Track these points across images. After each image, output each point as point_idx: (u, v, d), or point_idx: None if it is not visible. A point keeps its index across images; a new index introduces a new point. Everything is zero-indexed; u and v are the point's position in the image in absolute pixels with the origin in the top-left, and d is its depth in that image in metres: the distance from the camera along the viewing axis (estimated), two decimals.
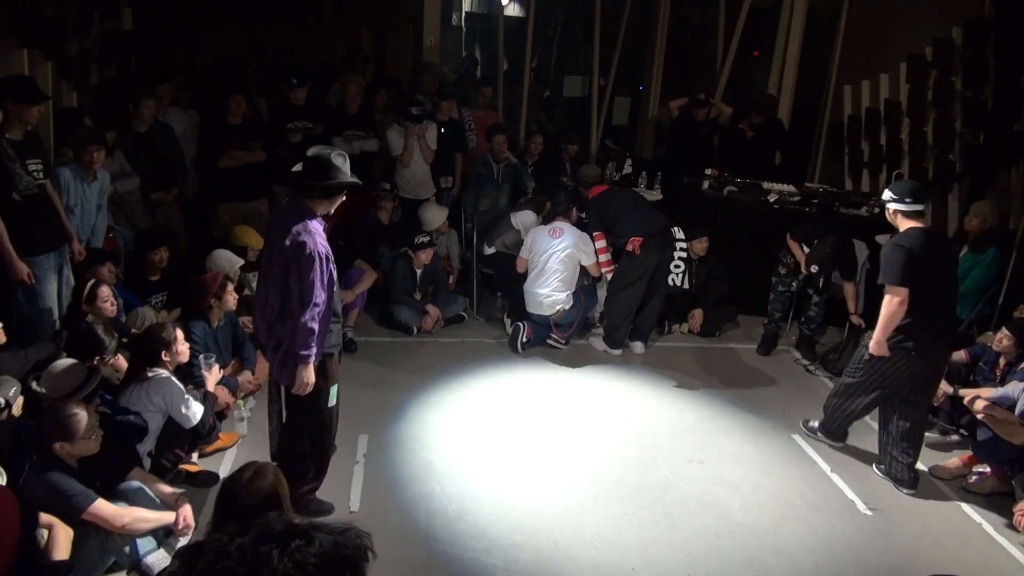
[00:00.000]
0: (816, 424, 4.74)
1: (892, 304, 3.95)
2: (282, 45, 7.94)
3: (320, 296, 3.22)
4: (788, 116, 8.22)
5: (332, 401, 3.57)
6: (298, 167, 3.34)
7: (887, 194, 4.16)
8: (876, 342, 4.07)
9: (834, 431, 4.65)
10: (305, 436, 3.57)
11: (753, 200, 6.54)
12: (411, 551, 3.52)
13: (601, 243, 5.77)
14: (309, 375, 3.32)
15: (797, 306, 6.19)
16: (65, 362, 3.42)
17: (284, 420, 3.66)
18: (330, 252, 3.32)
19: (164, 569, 2.93)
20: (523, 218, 6.18)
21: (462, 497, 3.93)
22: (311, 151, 3.41)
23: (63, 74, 5.49)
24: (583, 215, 5.98)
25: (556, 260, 5.60)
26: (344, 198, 3.42)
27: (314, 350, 3.28)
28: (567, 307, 5.70)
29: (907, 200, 4.05)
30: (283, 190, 6.29)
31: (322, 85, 7.03)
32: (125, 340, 4.46)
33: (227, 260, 5.03)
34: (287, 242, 3.18)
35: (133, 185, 5.42)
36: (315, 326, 3.24)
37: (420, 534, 3.64)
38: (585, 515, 3.86)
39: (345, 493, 3.89)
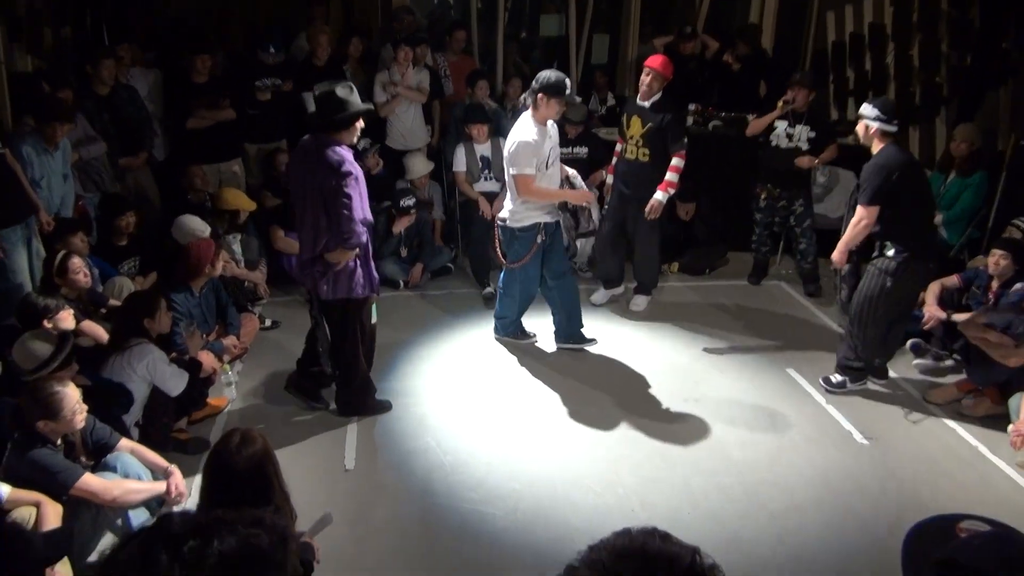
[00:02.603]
0: (840, 377, 4.49)
1: (860, 224, 4.08)
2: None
3: (367, 212, 3.65)
4: (771, 46, 8.02)
5: (375, 317, 4.06)
6: (311, 108, 3.74)
7: (871, 111, 4.05)
8: (839, 252, 4.28)
9: (880, 368, 4.51)
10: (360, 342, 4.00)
11: (738, 134, 6.41)
12: (409, 507, 3.50)
13: (676, 161, 5.06)
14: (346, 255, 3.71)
15: (788, 241, 6.12)
16: (34, 333, 3.32)
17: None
18: (362, 176, 3.66)
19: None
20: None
21: (458, 450, 3.90)
22: (318, 89, 3.63)
23: (13, 37, 5.24)
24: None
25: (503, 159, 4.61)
26: (362, 124, 3.71)
27: (357, 239, 3.65)
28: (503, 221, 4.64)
29: (894, 121, 4.02)
30: (255, 149, 6.14)
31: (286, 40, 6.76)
32: (104, 311, 4.36)
33: (198, 226, 4.87)
34: (326, 169, 3.53)
35: (99, 151, 5.23)
36: (362, 237, 3.66)
37: (417, 489, 3.61)
38: (583, 460, 3.85)
39: (340, 453, 3.85)
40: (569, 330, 4.86)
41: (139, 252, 5.01)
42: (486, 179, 6.03)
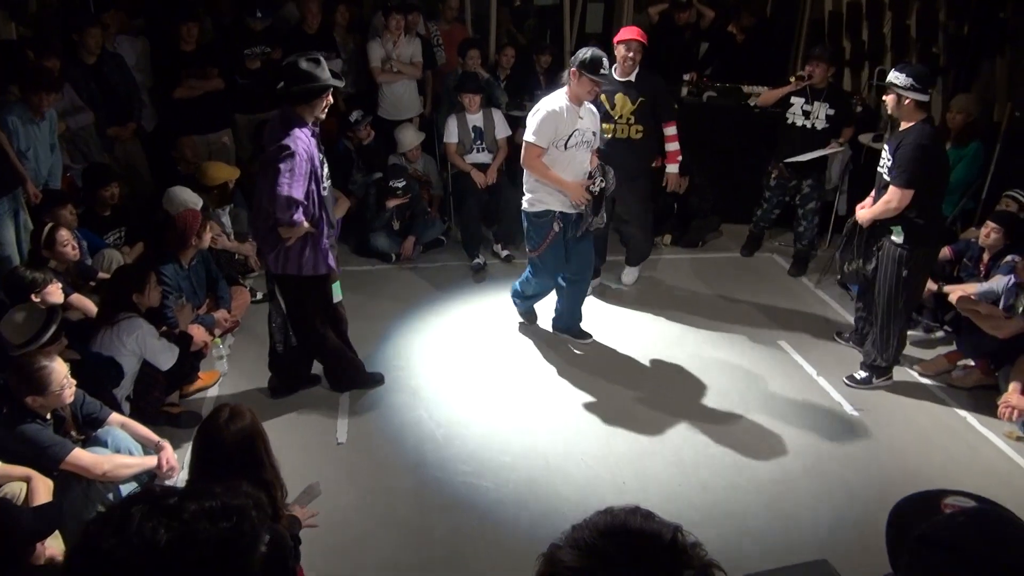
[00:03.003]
0: (865, 374, 4.30)
1: (891, 205, 3.85)
2: None
3: (295, 191, 3.32)
4: (768, 15, 7.92)
5: (338, 296, 3.92)
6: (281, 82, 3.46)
7: (904, 79, 3.73)
8: (864, 216, 4.05)
9: (892, 362, 4.30)
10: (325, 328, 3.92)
11: (733, 104, 6.36)
12: (401, 479, 3.51)
13: (672, 130, 5.03)
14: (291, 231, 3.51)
15: (792, 215, 6.03)
16: (22, 307, 3.29)
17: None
18: (316, 156, 3.46)
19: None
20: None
21: (450, 422, 3.91)
22: (286, 61, 3.47)
23: None
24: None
25: None
26: (330, 100, 3.53)
27: (284, 218, 3.39)
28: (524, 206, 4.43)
29: (928, 90, 3.76)
30: (245, 119, 6.06)
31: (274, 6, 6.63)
32: (93, 284, 4.33)
33: (190, 197, 4.82)
34: (268, 141, 3.41)
35: (87, 120, 5.16)
36: (291, 216, 3.37)
37: (410, 461, 3.63)
38: (574, 432, 3.86)
39: (331, 426, 3.86)
40: (568, 322, 4.76)
41: (124, 223, 4.96)
42: (478, 150, 5.97)
